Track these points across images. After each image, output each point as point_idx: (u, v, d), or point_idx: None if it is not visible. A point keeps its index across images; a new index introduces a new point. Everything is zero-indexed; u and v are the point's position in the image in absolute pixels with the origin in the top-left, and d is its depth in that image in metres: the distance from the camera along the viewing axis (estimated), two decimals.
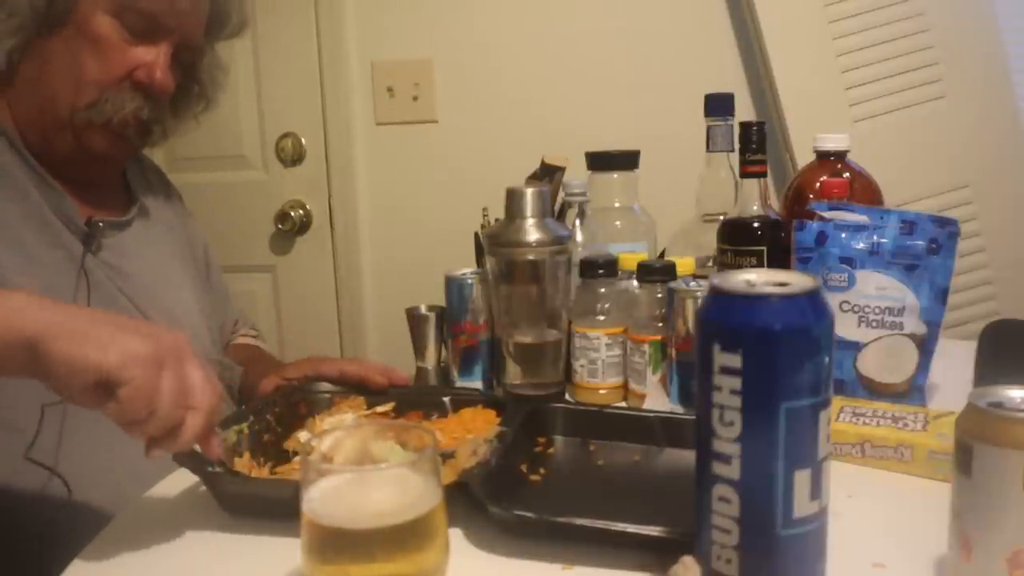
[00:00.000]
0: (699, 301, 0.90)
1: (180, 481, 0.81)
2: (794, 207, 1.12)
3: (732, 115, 1.13)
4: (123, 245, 1.07)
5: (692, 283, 0.94)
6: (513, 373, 1.02)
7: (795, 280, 0.53)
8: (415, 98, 2.04)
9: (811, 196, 1.08)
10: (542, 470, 0.82)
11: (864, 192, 1.11)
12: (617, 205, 1.17)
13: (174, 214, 1.22)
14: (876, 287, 0.92)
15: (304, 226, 2.10)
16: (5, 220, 0.95)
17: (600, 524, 0.65)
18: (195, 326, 1.14)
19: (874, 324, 0.93)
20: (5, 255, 0.93)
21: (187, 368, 0.67)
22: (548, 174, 1.17)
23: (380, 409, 0.91)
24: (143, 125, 1.03)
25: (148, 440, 0.66)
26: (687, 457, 0.59)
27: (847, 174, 1.11)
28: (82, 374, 0.63)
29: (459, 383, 1.06)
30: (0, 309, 0.65)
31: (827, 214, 0.96)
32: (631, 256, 1.04)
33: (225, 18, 1.10)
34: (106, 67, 0.98)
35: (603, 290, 1.01)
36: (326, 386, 0.98)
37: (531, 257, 0.99)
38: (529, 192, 0.99)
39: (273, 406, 0.89)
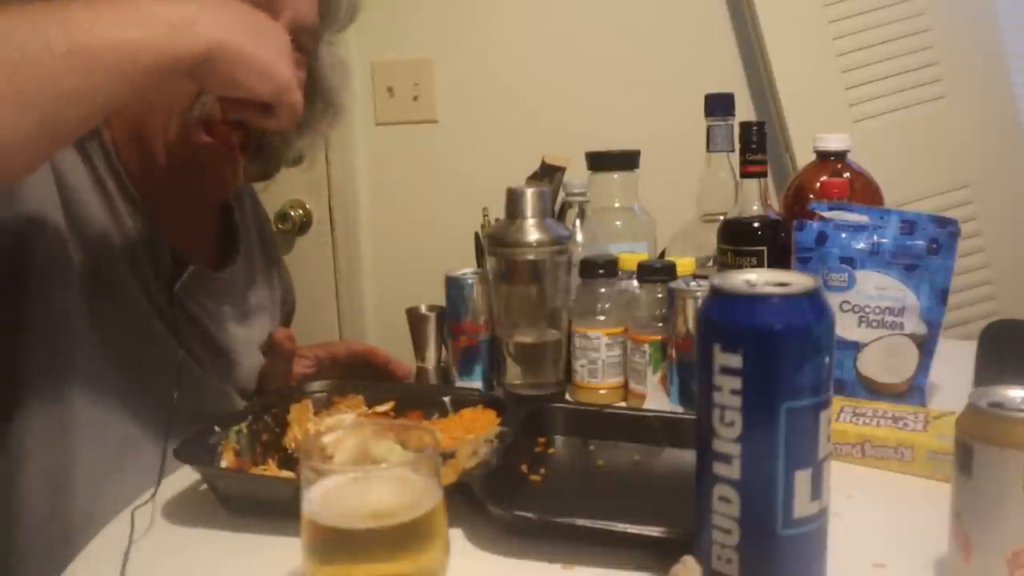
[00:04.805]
0: (699, 301, 0.90)
1: (182, 480, 0.81)
2: (794, 207, 1.12)
3: (732, 115, 1.13)
4: (211, 290, 1.03)
5: (692, 283, 0.94)
6: (513, 373, 1.02)
7: (795, 280, 0.53)
8: (415, 98, 2.04)
9: (811, 196, 1.08)
10: (542, 470, 0.82)
11: (864, 192, 1.10)
12: (617, 205, 1.17)
13: (264, 248, 1.19)
14: (876, 287, 0.92)
15: (304, 226, 2.10)
16: (97, 235, 0.89)
17: (600, 524, 0.65)
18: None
19: (874, 324, 0.93)
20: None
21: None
22: (548, 174, 1.17)
23: (380, 409, 0.91)
24: (252, 135, 0.96)
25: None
26: (687, 457, 0.59)
27: (847, 174, 1.11)
28: (240, 94, 0.74)
29: (459, 383, 1.06)
30: (160, 22, 0.69)
31: (827, 214, 0.96)
32: (631, 256, 1.04)
33: (336, 5, 1.01)
34: None
35: (603, 290, 1.01)
36: (325, 386, 0.97)
37: (531, 257, 0.99)
38: (529, 192, 0.99)
39: (272, 406, 0.89)
